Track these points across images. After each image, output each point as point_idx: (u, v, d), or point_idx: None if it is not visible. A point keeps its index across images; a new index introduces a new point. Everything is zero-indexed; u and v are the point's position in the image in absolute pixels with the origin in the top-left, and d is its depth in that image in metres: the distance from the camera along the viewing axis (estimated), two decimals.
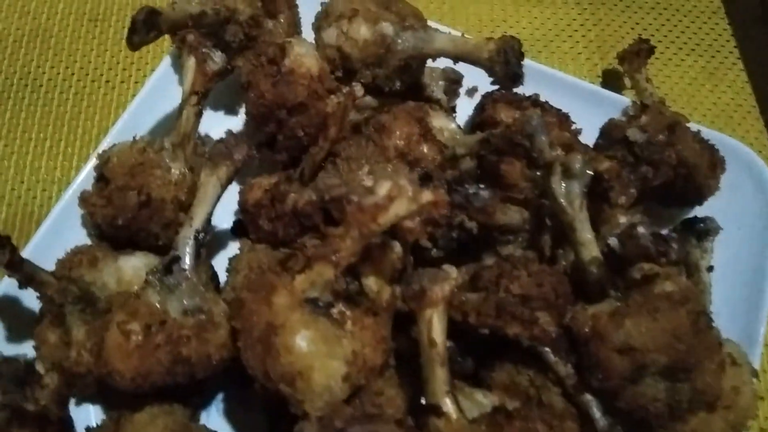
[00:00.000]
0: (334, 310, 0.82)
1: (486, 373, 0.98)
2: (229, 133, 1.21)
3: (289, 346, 0.77)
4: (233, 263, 1.02)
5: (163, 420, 0.88)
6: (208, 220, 0.94)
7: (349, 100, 0.97)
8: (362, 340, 0.81)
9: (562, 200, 0.95)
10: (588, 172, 0.95)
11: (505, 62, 1.04)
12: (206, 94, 1.03)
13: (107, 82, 1.30)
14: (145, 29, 0.91)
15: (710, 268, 1.07)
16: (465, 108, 1.26)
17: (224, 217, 1.13)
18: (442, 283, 0.83)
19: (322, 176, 1.00)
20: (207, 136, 1.02)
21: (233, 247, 1.14)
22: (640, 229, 0.85)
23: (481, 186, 0.88)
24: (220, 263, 1.08)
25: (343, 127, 0.99)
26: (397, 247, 0.87)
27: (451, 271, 0.85)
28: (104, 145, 1.09)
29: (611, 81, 1.35)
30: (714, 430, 0.94)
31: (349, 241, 0.76)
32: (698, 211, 1.14)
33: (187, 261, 0.91)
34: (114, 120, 1.26)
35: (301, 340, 0.77)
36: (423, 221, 0.85)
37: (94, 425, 0.93)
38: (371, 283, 0.87)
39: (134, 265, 1.01)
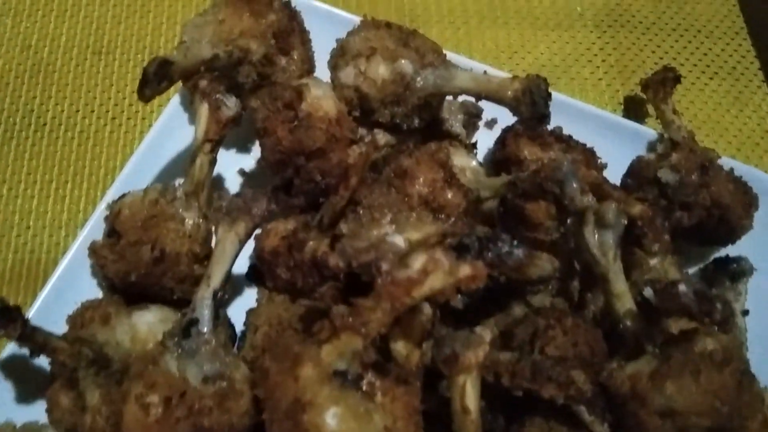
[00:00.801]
0: (364, 382, 0.78)
1: (516, 428, 0.94)
2: (242, 173, 1.19)
3: (319, 425, 0.73)
4: (251, 318, 0.98)
5: None
6: (227, 279, 0.90)
7: (371, 149, 0.93)
8: (394, 413, 0.77)
9: (595, 251, 0.91)
10: (622, 221, 0.91)
11: (532, 103, 1.00)
12: (220, 141, 0.99)
13: (113, 118, 1.26)
14: (156, 80, 0.86)
15: (745, 312, 1.04)
16: (484, 140, 1.22)
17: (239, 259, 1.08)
18: (476, 348, 0.80)
19: (342, 227, 0.97)
20: (224, 190, 0.98)
21: (249, 293, 1.10)
22: (682, 288, 0.81)
23: (515, 243, 0.84)
24: (236, 310, 1.05)
25: (364, 176, 0.95)
26: (427, 308, 0.83)
27: (485, 334, 0.81)
28: (113, 192, 1.04)
29: (634, 108, 1.31)
30: None
31: (380, 314, 0.72)
32: (729, 249, 1.11)
33: (206, 323, 0.87)
34: (122, 159, 1.22)
35: (332, 419, 0.73)
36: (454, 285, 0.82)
37: None
38: (400, 347, 0.83)
39: (149, 321, 0.97)
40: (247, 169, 1.18)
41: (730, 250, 1.10)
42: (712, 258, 1.11)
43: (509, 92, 1.01)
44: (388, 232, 0.91)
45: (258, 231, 1.06)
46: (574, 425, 0.91)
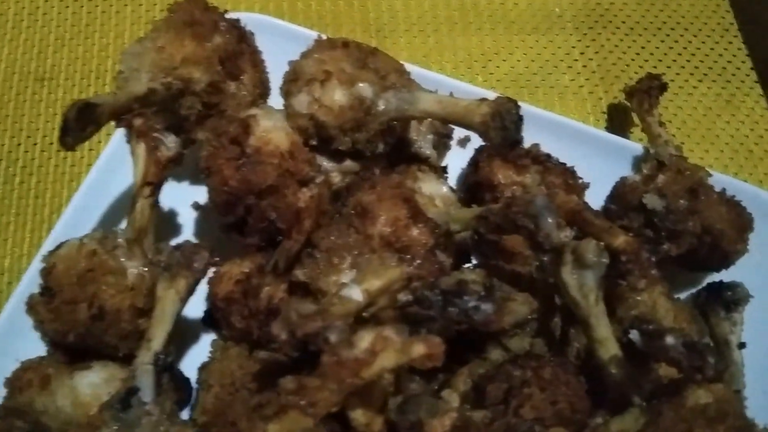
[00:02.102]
0: None
1: None
2: (196, 206, 1.10)
3: None
4: (203, 375, 0.90)
5: None
6: (169, 341, 0.82)
7: (323, 190, 0.85)
8: None
9: (574, 294, 0.83)
10: (603, 260, 0.82)
11: (502, 128, 0.91)
12: (161, 183, 0.90)
13: (58, 151, 1.17)
14: (79, 127, 0.77)
15: (741, 345, 0.96)
16: (457, 160, 1.14)
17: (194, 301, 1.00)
18: (442, 417, 0.72)
19: (298, 273, 0.88)
20: (164, 243, 0.89)
21: (205, 339, 1.02)
22: (670, 340, 0.73)
23: (483, 294, 0.76)
24: (192, 359, 0.97)
25: (318, 218, 0.87)
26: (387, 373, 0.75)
27: (452, 399, 0.74)
28: (50, 241, 0.96)
29: (618, 117, 1.22)
30: None
31: (327, 393, 0.64)
32: (724, 273, 1.02)
33: (147, 392, 0.79)
34: (68, 195, 1.13)
35: None
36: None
37: None
38: (359, 416, 0.75)
39: (92, 382, 0.89)
40: (201, 202, 1.10)
41: (725, 275, 1.02)
42: (704, 282, 1.03)
43: (477, 117, 0.91)
44: (345, 281, 0.83)
45: (211, 274, 0.98)
46: None
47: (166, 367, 0.82)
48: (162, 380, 0.81)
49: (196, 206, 1.10)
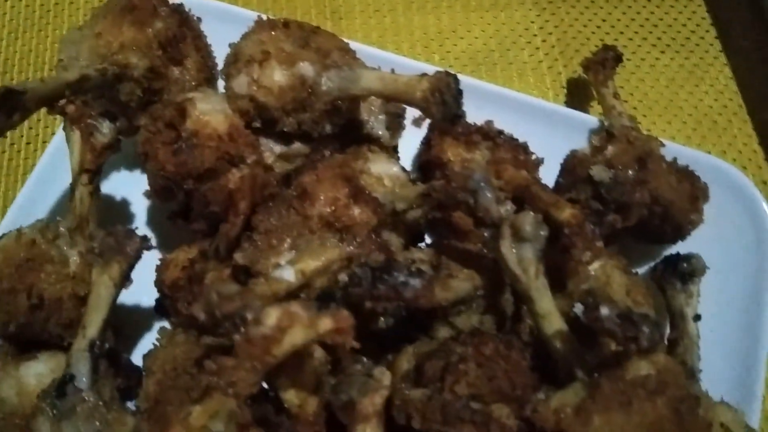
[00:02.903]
0: None
1: None
2: (148, 195, 1.09)
3: None
4: (148, 362, 0.89)
5: None
6: (105, 327, 0.81)
7: (257, 170, 0.83)
8: None
9: (514, 268, 0.81)
10: (542, 233, 0.81)
11: (442, 102, 0.89)
12: (98, 170, 0.89)
13: (12, 144, 1.16)
14: (4, 113, 0.76)
15: (697, 317, 0.94)
16: (413, 140, 1.12)
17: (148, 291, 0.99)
18: (373, 394, 0.71)
19: (238, 256, 0.87)
20: (97, 230, 0.88)
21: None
22: (603, 311, 0.71)
23: (412, 270, 0.75)
24: (145, 349, 0.96)
25: (253, 199, 0.85)
26: (318, 352, 0.74)
27: (383, 377, 0.72)
28: None
29: (577, 92, 1.20)
30: None
31: (243, 373, 0.63)
32: (682, 245, 1.00)
33: (83, 380, 0.79)
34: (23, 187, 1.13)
35: None
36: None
37: None
38: (291, 396, 0.74)
39: (38, 372, 0.89)
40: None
41: (683, 247, 0.99)
42: (663, 256, 1.01)
43: (417, 93, 0.90)
44: (281, 263, 0.82)
45: (159, 262, 0.98)
46: None
47: (103, 354, 0.81)
48: (99, 367, 0.81)
49: (148, 195, 1.09)
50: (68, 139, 0.88)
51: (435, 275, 0.80)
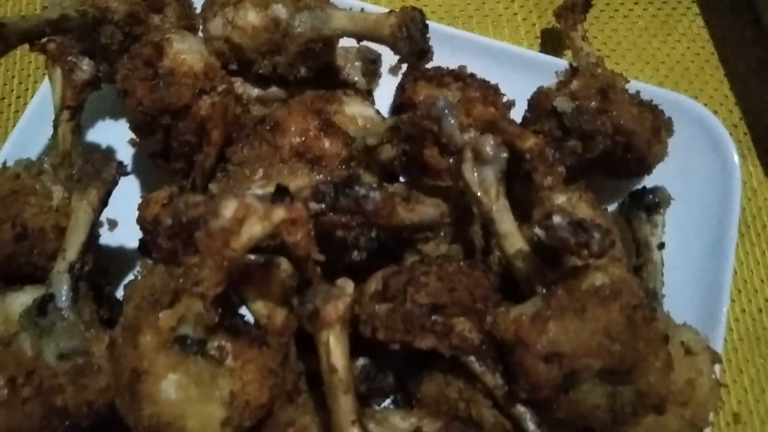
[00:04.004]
0: (212, 344, 0.72)
1: (415, 386, 0.88)
2: (133, 143, 1.13)
3: (154, 394, 0.68)
4: (127, 290, 0.92)
5: None
6: (84, 251, 0.85)
7: (229, 99, 0.87)
8: (243, 377, 0.71)
9: (476, 189, 0.84)
10: (503, 155, 0.83)
11: (408, 37, 0.92)
12: (80, 107, 0.93)
13: (2, 99, 1.20)
14: None
15: (661, 245, 0.96)
16: (390, 89, 1.15)
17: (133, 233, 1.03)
18: (336, 301, 0.74)
19: (213, 186, 0.91)
20: (77, 158, 0.92)
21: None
22: (556, 219, 0.74)
23: (374, 186, 0.78)
24: None
25: (227, 127, 0.89)
26: (285, 263, 0.77)
27: (346, 286, 0.75)
28: None
29: (551, 42, 1.23)
30: (669, 431, 0.85)
31: (207, 271, 0.66)
32: (650, 181, 1.03)
33: (63, 299, 0.82)
34: None
35: (168, 386, 0.68)
36: (307, 234, 0.76)
37: None
38: (259, 307, 0.78)
39: (23, 303, 0.91)
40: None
41: (649, 183, 1.02)
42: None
43: (386, 29, 0.93)
44: (253, 188, 0.85)
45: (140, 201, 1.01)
46: (471, 380, 0.85)
47: (83, 277, 0.85)
48: (79, 289, 0.84)
49: (134, 143, 1.13)
50: (50, 77, 0.92)
51: (395, 191, 0.82)
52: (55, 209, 0.92)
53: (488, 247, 0.98)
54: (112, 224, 1.08)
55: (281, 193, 0.63)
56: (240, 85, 0.96)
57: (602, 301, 0.75)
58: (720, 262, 0.95)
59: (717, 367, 0.88)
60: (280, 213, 0.61)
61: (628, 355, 0.76)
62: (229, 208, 0.62)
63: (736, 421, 0.99)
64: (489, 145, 0.83)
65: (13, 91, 1.22)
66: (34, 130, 1.07)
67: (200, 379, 0.69)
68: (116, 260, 1.07)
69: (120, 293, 1.03)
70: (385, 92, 1.15)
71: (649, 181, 1.02)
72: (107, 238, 1.07)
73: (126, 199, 0.99)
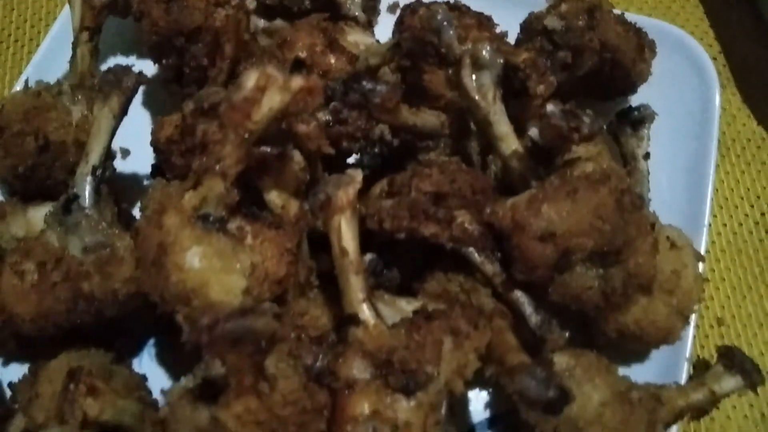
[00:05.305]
0: (232, 225, 0.78)
1: (418, 285, 0.94)
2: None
3: (180, 263, 0.73)
4: (144, 202, 0.97)
5: (78, 363, 0.84)
6: (106, 155, 0.90)
7: (241, 13, 0.92)
8: (263, 252, 0.77)
9: (474, 94, 0.90)
10: (499, 60, 0.89)
11: None
12: (98, 29, 0.98)
13: (16, 41, 1.25)
14: None
15: (647, 155, 1.02)
16: (389, 27, 1.20)
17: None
18: (346, 187, 0.79)
19: None
20: (97, 70, 0.97)
21: None
22: (549, 107, 0.80)
23: (379, 81, 0.83)
24: None
25: (239, 42, 0.94)
26: (297, 156, 0.83)
27: (356, 174, 0.81)
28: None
29: None
30: (657, 317, 0.90)
31: (229, 147, 0.72)
32: (635, 102, 1.09)
33: (87, 198, 0.87)
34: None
35: (192, 257, 0.73)
36: (319, 126, 0.81)
37: None
38: (274, 197, 0.83)
39: (44, 216, 0.96)
40: (149, 75, 1.17)
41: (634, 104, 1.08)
42: None
43: None
44: None
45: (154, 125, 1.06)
46: (471, 274, 0.90)
47: (104, 180, 0.90)
48: (101, 190, 0.89)
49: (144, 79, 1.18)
50: (69, 0, 0.97)
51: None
52: (75, 125, 0.97)
53: (485, 164, 1.03)
54: (125, 153, 1.13)
55: (298, 66, 0.68)
56: (251, 1, 1.01)
57: (593, 184, 0.81)
58: (702, 170, 1.02)
59: (701, 265, 0.95)
60: (298, 81, 0.67)
61: (617, 236, 0.82)
62: (251, 79, 0.67)
63: (720, 323, 1.06)
64: (486, 50, 0.88)
65: (25, 34, 1.26)
66: (54, 54, 1.11)
67: (222, 252, 0.74)
68: (129, 186, 1.11)
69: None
70: (384, 28, 1.20)
71: (634, 103, 1.09)
72: (120, 166, 1.12)
73: (137, 129, 1.04)
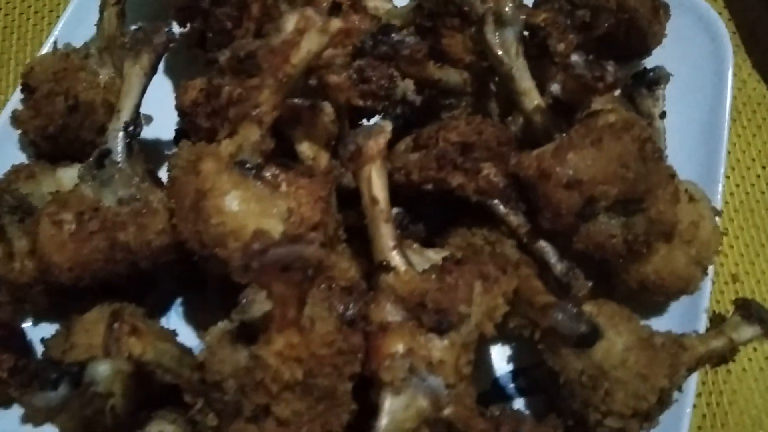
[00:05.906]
0: (267, 173, 0.79)
1: (441, 240, 0.96)
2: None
3: (219, 206, 0.74)
4: (172, 161, 0.99)
5: None
6: (137, 112, 0.91)
7: None
8: (298, 198, 0.78)
9: (498, 50, 0.92)
10: (521, 17, 0.91)
11: None
12: None
13: (36, 12, 1.27)
14: None
15: (663, 114, 1.05)
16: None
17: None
18: (377, 136, 0.81)
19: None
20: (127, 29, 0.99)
21: None
22: (574, 57, 0.82)
23: (407, 34, 0.85)
24: None
25: (265, 4, 0.96)
26: (328, 108, 0.85)
27: (386, 124, 0.82)
28: None
29: None
30: (677, 266, 0.93)
31: (266, 92, 0.73)
32: (650, 65, 1.11)
33: (119, 153, 0.88)
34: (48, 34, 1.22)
35: (231, 200, 0.75)
36: (351, 79, 0.83)
37: None
38: (305, 149, 0.85)
39: (73, 176, 0.97)
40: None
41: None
42: None
43: None
44: None
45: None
46: (495, 227, 0.92)
47: (135, 136, 0.91)
48: (133, 146, 0.91)
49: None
50: None
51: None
52: (103, 86, 0.99)
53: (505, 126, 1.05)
54: (148, 119, 1.14)
55: (336, 9, 0.70)
56: None
57: (616, 133, 0.83)
58: (716, 128, 1.04)
59: (717, 219, 0.97)
60: (336, 23, 0.69)
61: (640, 184, 0.84)
62: (290, 22, 0.69)
63: (735, 280, 1.08)
64: (508, 7, 0.91)
65: (45, 5, 1.28)
66: (81, 19, 1.12)
67: (260, 197, 0.76)
68: (152, 152, 1.13)
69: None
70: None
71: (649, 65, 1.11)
72: (143, 133, 1.13)
73: (159, 97, 1.05)
